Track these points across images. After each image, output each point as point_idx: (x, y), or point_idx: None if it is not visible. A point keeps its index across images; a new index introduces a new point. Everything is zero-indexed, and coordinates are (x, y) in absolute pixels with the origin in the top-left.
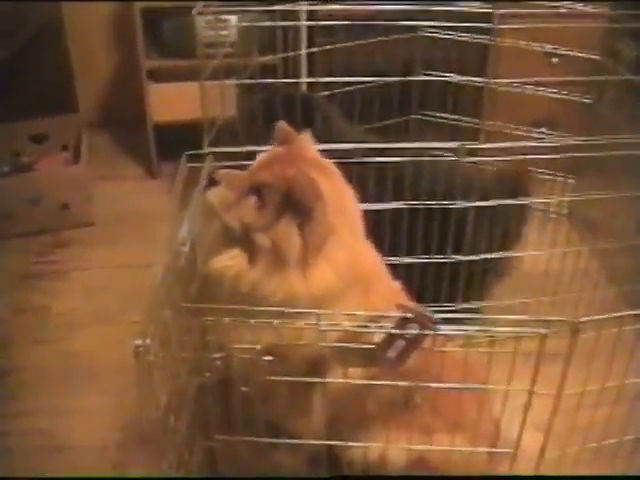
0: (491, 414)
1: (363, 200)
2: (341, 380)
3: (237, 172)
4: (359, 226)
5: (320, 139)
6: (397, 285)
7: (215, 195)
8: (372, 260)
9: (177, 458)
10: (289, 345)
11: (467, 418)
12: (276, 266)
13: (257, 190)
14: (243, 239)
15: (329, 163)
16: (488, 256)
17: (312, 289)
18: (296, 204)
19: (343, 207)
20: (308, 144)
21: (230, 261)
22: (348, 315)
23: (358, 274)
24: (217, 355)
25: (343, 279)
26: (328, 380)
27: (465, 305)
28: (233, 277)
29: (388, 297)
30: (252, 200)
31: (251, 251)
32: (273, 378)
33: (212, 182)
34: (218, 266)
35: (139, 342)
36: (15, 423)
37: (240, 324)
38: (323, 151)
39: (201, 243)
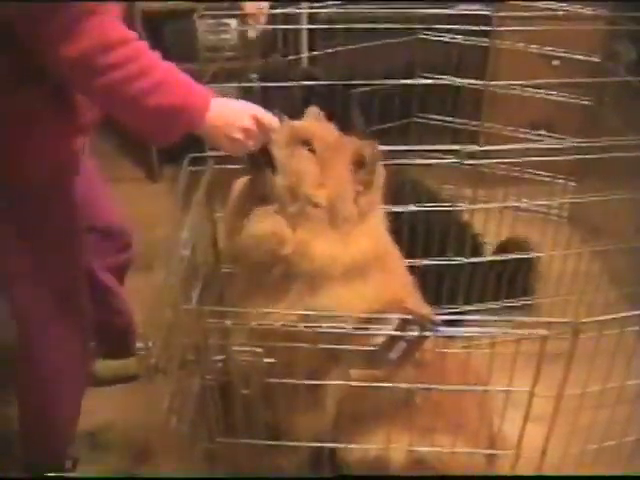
0: (490, 416)
1: None
2: (342, 382)
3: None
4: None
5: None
6: (410, 278)
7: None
8: (392, 248)
9: (179, 460)
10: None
11: (468, 420)
12: (324, 226)
13: (306, 143)
14: (286, 198)
15: None
16: (494, 258)
17: (352, 255)
18: (364, 168)
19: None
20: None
21: (272, 227)
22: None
23: (383, 251)
24: (218, 358)
25: (376, 252)
26: (329, 382)
27: (466, 307)
28: (275, 243)
29: (403, 281)
30: (305, 152)
31: (291, 212)
32: (275, 380)
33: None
34: (260, 233)
35: (141, 345)
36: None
37: (241, 327)
38: None
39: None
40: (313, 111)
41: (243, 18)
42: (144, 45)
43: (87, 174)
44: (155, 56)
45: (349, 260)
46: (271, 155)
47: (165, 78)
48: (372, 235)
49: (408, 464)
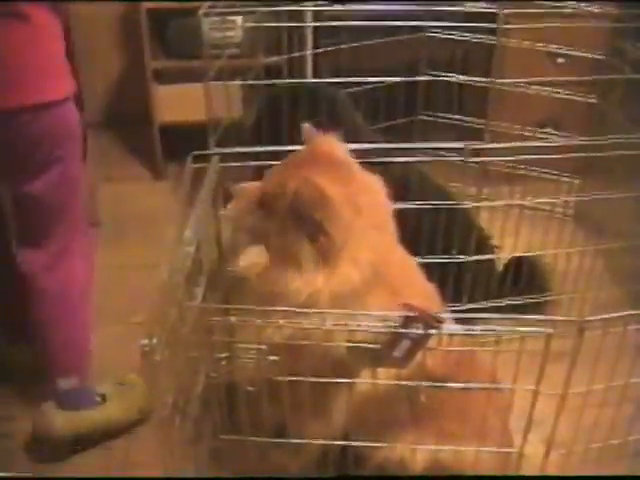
0: (507, 422)
1: None
2: (347, 380)
3: (250, 184)
4: (386, 222)
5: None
6: (430, 286)
7: (230, 209)
8: (401, 259)
9: (183, 458)
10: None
11: (487, 424)
12: (293, 268)
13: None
14: (261, 240)
15: (349, 162)
16: (494, 257)
17: (335, 288)
18: (303, 216)
19: (363, 206)
20: (329, 145)
21: (255, 258)
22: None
23: (385, 272)
24: (223, 355)
25: (368, 278)
26: (336, 380)
27: (471, 305)
28: (257, 276)
29: (419, 297)
30: (259, 213)
31: (270, 251)
32: (280, 378)
33: (228, 196)
34: (244, 265)
35: (145, 342)
36: (21, 424)
37: (248, 324)
38: None
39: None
40: (327, 138)
41: None
42: None
43: None
44: None
45: (332, 293)
46: None
47: None
48: (358, 264)
49: (427, 469)
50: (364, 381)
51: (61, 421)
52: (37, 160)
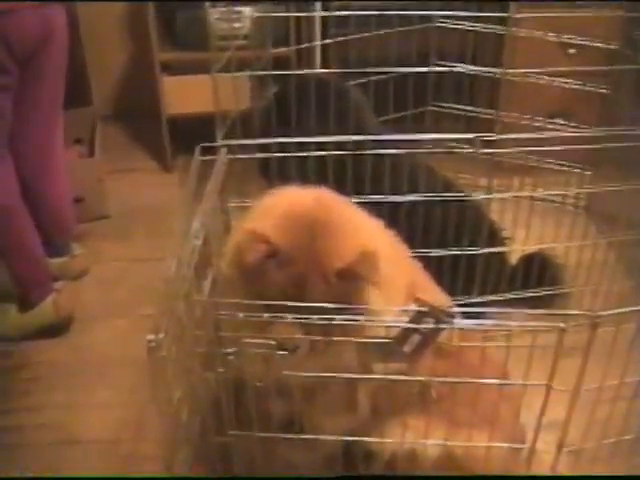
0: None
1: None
2: (360, 376)
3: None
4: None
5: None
6: (417, 263)
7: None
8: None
9: (190, 453)
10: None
11: (499, 416)
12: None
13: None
14: None
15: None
16: (505, 249)
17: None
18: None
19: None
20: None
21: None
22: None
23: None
24: (231, 350)
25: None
26: (348, 376)
27: (480, 299)
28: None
29: (408, 268)
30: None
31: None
32: (291, 373)
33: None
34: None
35: (151, 337)
36: (28, 417)
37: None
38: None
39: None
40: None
41: None
42: None
43: None
44: None
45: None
46: None
47: None
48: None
49: (437, 460)
50: (391, 378)
51: None
52: None
